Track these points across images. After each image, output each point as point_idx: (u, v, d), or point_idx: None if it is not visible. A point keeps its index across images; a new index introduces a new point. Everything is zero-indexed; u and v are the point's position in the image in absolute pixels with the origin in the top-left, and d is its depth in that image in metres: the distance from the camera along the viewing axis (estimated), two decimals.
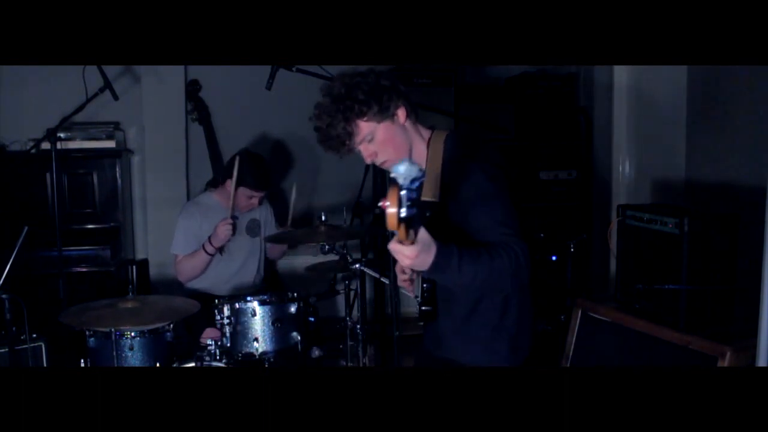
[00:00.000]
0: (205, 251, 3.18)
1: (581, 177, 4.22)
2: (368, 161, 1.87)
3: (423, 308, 1.84)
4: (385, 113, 1.80)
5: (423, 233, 1.48)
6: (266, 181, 3.26)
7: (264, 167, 3.27)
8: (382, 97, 1.79)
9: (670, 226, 2.39)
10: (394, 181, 1.29)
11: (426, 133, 1.93)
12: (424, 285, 1.86)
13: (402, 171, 1.28)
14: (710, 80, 3.62)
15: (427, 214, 1.82)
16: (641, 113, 3.93)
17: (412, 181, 1.30)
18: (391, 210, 1.29)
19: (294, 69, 2.45)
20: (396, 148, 1.84)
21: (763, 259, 1.91)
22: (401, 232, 1.34)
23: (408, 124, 1.87)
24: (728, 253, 2.40)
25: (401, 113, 1.84)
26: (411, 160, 1.31)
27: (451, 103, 3.96)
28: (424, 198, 1.83)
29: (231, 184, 3.17)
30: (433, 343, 2.05)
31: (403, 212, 1.29)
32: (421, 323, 1.95)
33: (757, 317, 1.94)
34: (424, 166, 1.87)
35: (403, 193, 1.28)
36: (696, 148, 3.72)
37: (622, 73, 3.94)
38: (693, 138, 3.75)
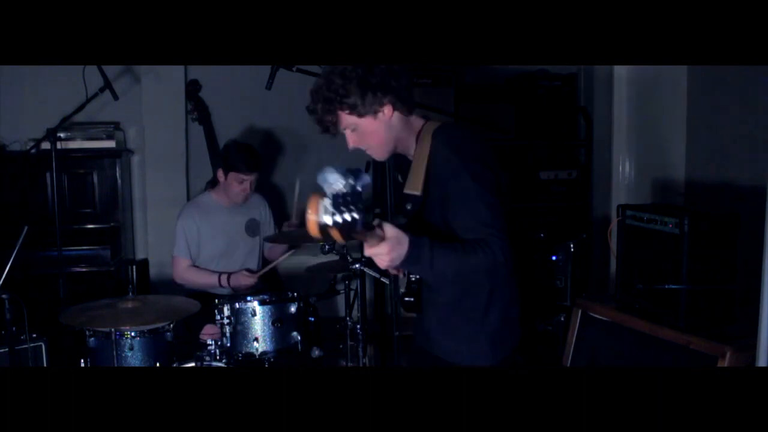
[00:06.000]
0: (219, 283, 3.24)
1: (581, 177, 4.22)
2: (350, 147, 1.91)
3: (405, 299, 1.93)
4: (367, 110, 1.82)
5: (390, 229, 1.53)
6: (255, 163, 3.26)
7: (251, 151, 3.29)
8: (366, 95, 1.80)
9: (670, 226, 2.39)
10: (321, 188, 1.33)
11: (418, 124, 1.93)
12: (412, 278, 1.93)
13: (329, 179, 1.32)
14: (710, 80, 3.61)
15: (408, 207, 1.89)
16: (641, 113, 3.92)
17: (353, 189, 1.32)
18: (311, 217, 1.33)
19: (294, 69, 2.46)
20: (379, 141, 1.89)
21: (763, 259, 1.91)
22: (335, 235, 1.36)
23: (396, 120, 1.87)
24: (728, 253, 2.40)
25: (387, 111, 1.84)
26: (341, 169, 1.33)
27: (451, 103, 3.95)
28: (407, 191, 1.88)
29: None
30: (423, 339, 2.06)
31: (327, 219, 1.31)
32: (409, 315, 2.01)
33: (757, 317, 1.94)
34: (411, 158, 1.91)
35: (326, 201, 1.31)
36: (696, 148, 3.72)
37: (622, 73, 3.93)
38: (693, 138, 3.74)
